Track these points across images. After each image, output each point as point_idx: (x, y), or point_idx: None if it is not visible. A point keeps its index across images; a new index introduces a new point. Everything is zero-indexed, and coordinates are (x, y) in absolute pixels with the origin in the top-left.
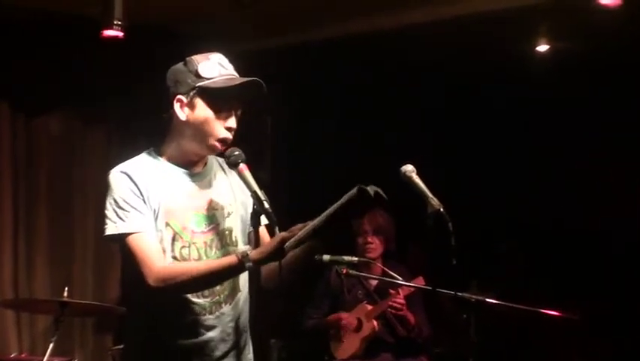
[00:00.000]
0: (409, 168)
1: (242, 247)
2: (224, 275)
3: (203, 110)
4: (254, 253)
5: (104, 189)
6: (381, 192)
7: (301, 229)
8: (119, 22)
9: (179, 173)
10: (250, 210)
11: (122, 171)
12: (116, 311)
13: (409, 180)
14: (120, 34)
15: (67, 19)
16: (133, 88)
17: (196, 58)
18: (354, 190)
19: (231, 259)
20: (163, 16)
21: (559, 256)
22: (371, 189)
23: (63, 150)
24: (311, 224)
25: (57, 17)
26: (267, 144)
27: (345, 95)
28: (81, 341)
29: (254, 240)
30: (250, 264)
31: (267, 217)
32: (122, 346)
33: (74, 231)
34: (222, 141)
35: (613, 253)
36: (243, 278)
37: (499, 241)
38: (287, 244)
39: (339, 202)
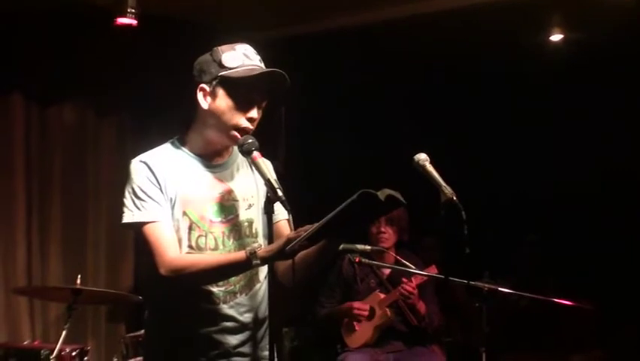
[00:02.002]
0: (422, 157)
1: (260, 240)
2: (231, 271)
3: (224, 100)
4: (261, 251)
5: (117, 177)
6: (397, 196)
7: (308, 230)
8: (133, 10)
9: (200, 163)
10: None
11: (141, 161)
12: (128, 299)
13: (422, 168)
14: (134, 22)
15: (81, 9)
16: (146, 78)
17: (222, 48)
18: (354, 196)
19: (240, 255)
20: (176, 5)
21: (577, 247)
22: (382, 194)
23: (76, 140)
24: (314, 226)
25: (70, 7)
26: (281, 133)
27: (360, 84)
28: (94, 329)
29: (267, 229)
30: (257, 261)
31: (282, 205)
32: (134, 334)
33: (87, 219)
34: (242, 130)
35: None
36: (264, 270)
37: (518, 233)
38: (292, 244)
39: (341, 206)
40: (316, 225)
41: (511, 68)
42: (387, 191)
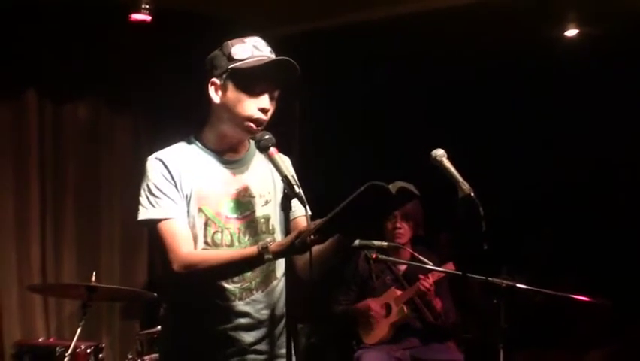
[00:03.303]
0: (439, 153)
1: (277, 236)
2: (244, 266)
3: (235, 92)
4: (274, 246)
5: (131, 175)
6: (410, 188)
7: (317, 224)
8: (147, 6)
9: (215, 159)
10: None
11: (156, 158)
12: (143, 296)
13: (439, 164)
14: (148, 17)
15: (96, 5)
16: (161, 75)
17: (232, 42)
18: (362, 188)
19: (252, 250)
20: (192, 1)
21: (592, 244)
22: (394, 186)
23: (90, 138)
24: (323, 219)
25: (85, 3)
26: (296, 129)
27: (375, 80)
28: (108, 326)
29: (284, 225)
30: (269, 256)
31: (299, 201)
32: (149, 330)
33: (102, 216)
34: (256, 121)
35: None
36: (281, 267)
37: (532, 228)
38: (301, 237)
39: (349, 198)
40: (326, 217)
41: (524, 63)
42: (400, 183)
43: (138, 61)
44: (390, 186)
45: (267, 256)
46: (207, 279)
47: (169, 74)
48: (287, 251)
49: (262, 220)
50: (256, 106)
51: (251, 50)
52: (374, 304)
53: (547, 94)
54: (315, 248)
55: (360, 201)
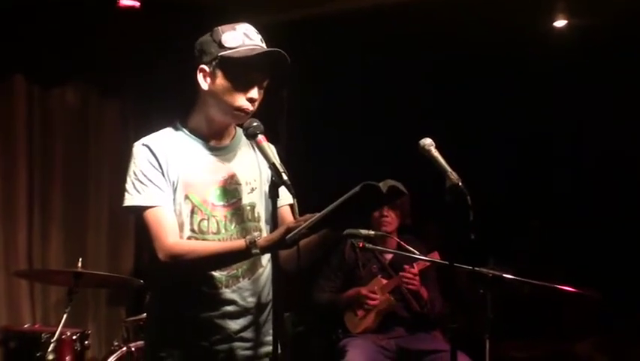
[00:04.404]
0: (427, 142)
1: (262, 224)
2: (230, 259)
3: (224, 80)
4: (261, 241)
5: (118, 161)
6: (399, 187)
7: (308, 220)
8: None
9: (202, 146)
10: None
11: (143, 144)
12: (129, 283)
13: (427, 153)
14: (137, 3)
15: None
16: (149, 61)
17: (222, 28)
18: (357, 188)
19: (239, 243)
20: None
21: (580, 234)
22: (384, 185)
23: (78, 123)
24: (315, 217)
25: None
26: (283, 118)
27: (363, 68)
28: (94, 313)
29: (271, 213)
30: (257, 251)
31: (287, 189)
32: (135, 317)
33: (89, 202)
34: (243, 111)
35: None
36: (267, 255)
37: (519, 219)
38: (292, 234)
39: (342, 198)
40: (317, 215)
41: (514, 53)
42: (390, 182)
43: (127, 47)
44: (381, 184)
45: (254, 251)
46: (193, 270)
47: (157, 59)
48: (275, 247)
49: (248, 208)
50: (245, 96)
51: (242, 37)
52: (366, 290)
53: (537, 84)
54: (302, 240)
55: (354, 201)
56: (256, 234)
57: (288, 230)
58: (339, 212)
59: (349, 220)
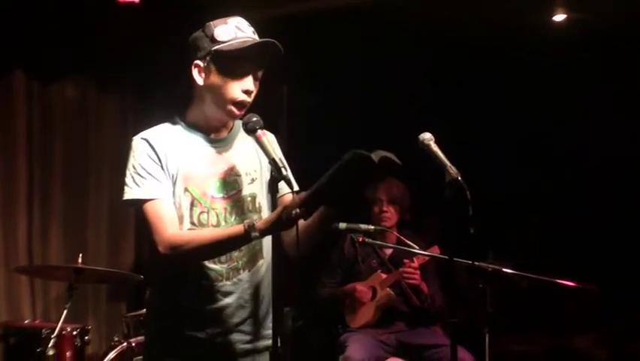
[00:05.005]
0: (426, 136)
1: (264, 215)
2: (230, 244)
3: (218, 74)
4: (260, 224)
5: (118, 155)
6: (392, 157)
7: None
8: None
9: (201, 139)
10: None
11: (142, 138)
12: (129, 278)
13: (426, 148)
14: None
15: None
16: (148, 56)
17: (214, 22)
18: (346, 156)
19: (238, 228)
20: None
21: (579, 229)
22: (376, 155)
23: (78, 117)
24: (307, 191)
25: None
26: (283, 113)
27: (362, 62)
28: (95, 308)
29: (271, 208)
30: (256, 234)
31: (287, 184)
32: (135, 313)
33: (89, 198)
34: (240, 104)
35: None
36: (267, 246)
37: (519, 213)
38: (287, 211)
39: (333, 168)
40: (310, 190)
41: (513, 47)
42: (382, 152)
43: (126, 42)
44: (372, 154)
45: (253, 234)
46: (193, 259)
47: (157, 55)
48: (273, 227)
49: (249, 199)
50: (240, 88)
51: (234, 31)
52: (360, 287)
53: (536, 79)
54: (301, 223)
55: (344, 171)
56: (255, 217)
57: (285, 209)
58: (332, 184)
59: (344, 195)
